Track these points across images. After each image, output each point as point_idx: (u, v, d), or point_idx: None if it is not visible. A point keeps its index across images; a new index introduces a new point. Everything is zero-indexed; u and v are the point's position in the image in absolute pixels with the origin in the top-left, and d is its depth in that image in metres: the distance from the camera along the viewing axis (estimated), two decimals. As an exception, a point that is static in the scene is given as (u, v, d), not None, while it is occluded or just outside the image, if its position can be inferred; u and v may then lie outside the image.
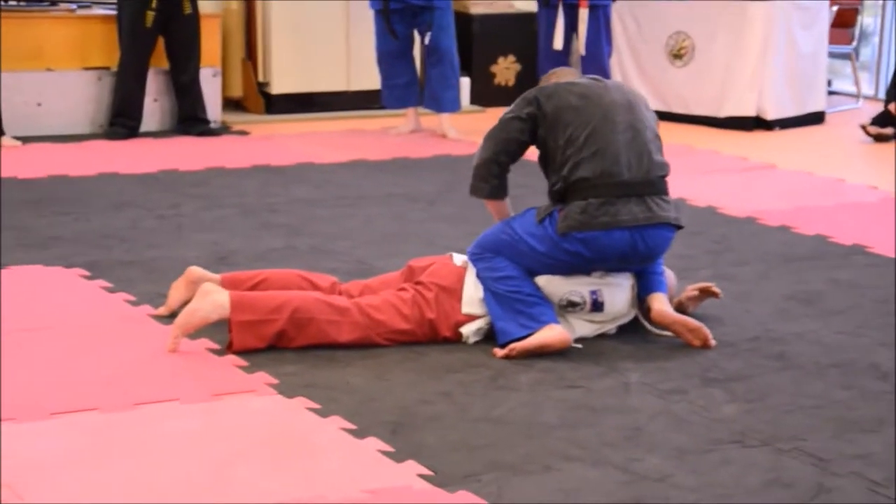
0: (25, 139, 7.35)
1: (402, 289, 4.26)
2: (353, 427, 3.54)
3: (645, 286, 4.30)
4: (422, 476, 3.25)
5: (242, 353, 4.04)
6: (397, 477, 3.25)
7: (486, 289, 4.20)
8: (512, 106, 4.30)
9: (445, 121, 7.84)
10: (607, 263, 4.20)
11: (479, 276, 4.23)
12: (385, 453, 3.38)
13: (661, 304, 4.24)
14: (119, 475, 3.22)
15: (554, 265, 4.20)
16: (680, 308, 4.45)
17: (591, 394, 3.84)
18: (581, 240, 4.13)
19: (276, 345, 4.09)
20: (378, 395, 3.78)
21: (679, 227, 4.28)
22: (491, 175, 4.27)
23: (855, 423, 3.65)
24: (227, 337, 4.10)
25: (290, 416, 3.63)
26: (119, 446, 3.40)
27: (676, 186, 4.39)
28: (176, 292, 4.39)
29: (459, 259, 4.34)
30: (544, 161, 4.29)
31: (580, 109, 4.19)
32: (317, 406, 3.68)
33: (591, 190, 4.14)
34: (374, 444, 3.44)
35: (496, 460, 3.36)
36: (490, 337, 4.22)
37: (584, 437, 3.52)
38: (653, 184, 4.21)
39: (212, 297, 4.04)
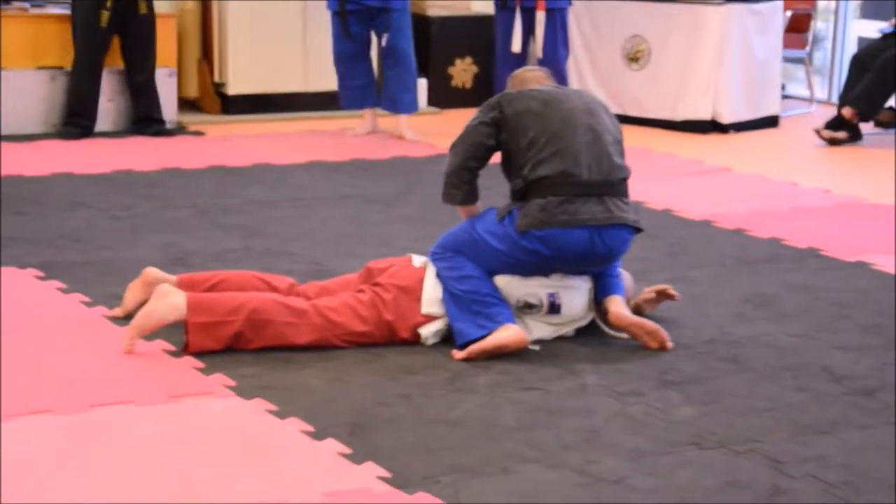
0: (-22, 138, 7.28)
1: (360, 290, 4.26)
2: (311, 429, 3.53)
3: (601, 289, 4.32)
4: (380, 478, 3.25)
5: (199, 354, 4.02)
6: (356, 479, 3.25)
7: (445, 289, 4.21)
8: (476, 112, 4.34)
9: (403, 122, 7.84)
10: (566, 263, 4.22)
11: (438, 275, 4.24)
12: (344, 455, 3.38)
13: (617, 306, 4.26)
14: (77, 478, 3.19)
15: (513, 264, 4.21)
16: (637, 310, 4.47)
17: (548, 396, 3.85)
18: (539, 237, 4.15)
19: (233, 346, 4.07)
20: (336, 397, 3.77)
21: (638, 230, 4.31)
22: (462, 181, 4.30)
23: (809, 425, 3.69)
24: (184, 339, 4.08)
25: (248, 418, 3.62)
26: (76, 449, 3.37)
27: (634, 189, 4.41)
28: (132, 293, 4.36)
29: (419, 261, 4.34)
30: (506, 164, 4.31)
31: (541, 114, 4.23)
32: (275, 408, 3.67)
33: (550, 188, 4.16)
34: (332, 445, 3.43)
35: (454, 462, 3.36)
36: (449, 339, 4.22)
37: (542, 438, 3.53)
38: (612, 185, 4.24)
39: (168, 299, 4.02)
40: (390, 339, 4.19)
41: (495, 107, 4.28)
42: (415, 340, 4.22)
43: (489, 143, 4.27)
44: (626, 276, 4.48)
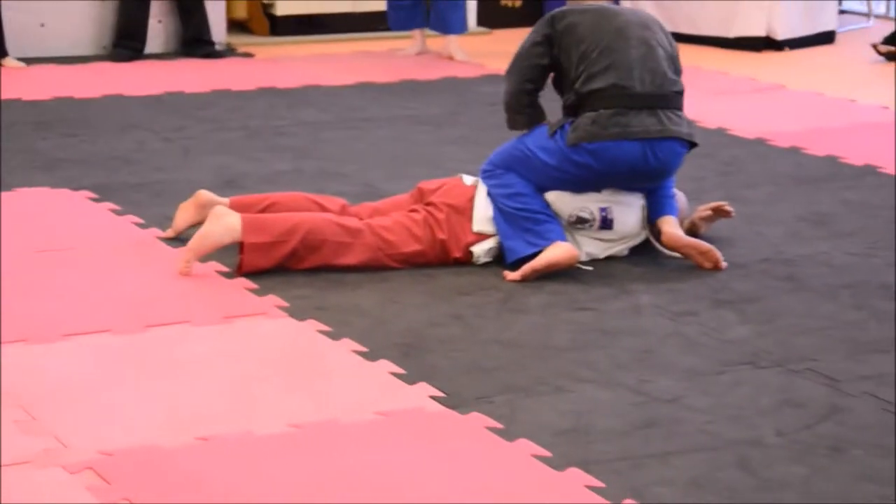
0: (29, 60, 7.29)
1: (413, 210, 4.25)
2: (364, 349, 3.54)
3: (655, 209, 4.28)
4: (434, 398, 3.26)
5: (252, 274, 4.03)
6: (409, 399, 3.26)
7: (496, 207, 4.20)
8: (528, 34, 4.30)
9: (452, 42, 7.76)
10: (617, 177, 4.18)
11: (489, 193, 4.22)
12: (397, 375, 3.39)
13: (671, 227, 4.22)
14: (132, 396, 3.23)
15: (565, 179, 4.18)
16: (692, 229, 4.43)
17: (602, 316, 3.83)
18: (591, 151, 4.12)
19: (285, 266, 4.08)
20: (389, 318, 3.78)
21: (693, 144, 4.26)
22: (522, 105, 4.28)
23: (866, 343, 3.65)
24: (237, 260, 4.09)
25: (301, 339, 3.63)
26: (131, 368, 3.40)
27: (686, 108, 4.35)
28: (184, 214, 4.37)
29: (469, 180, 4.32)
30: (558, 80, 4.28)
31: (594, 27, 4.19)
32: (328, 329, 3.68)
33: (602, 101, 4.12)
34: (385, 366, 3.44)
35: (508, 382, 3.36)
36: (501, 259, 4.21)
37: (596, 358, 3.52)
38: (666, 98, 4.19)
39: (224, 220, 4.03)
40: (443, 258, 4.19)
41: (547, 24, 4.25)
42: (467, 259, 4.21)
43: (543, 63, 4.23)
44: (680, 196, 4.43)
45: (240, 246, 4.05)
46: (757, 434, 3.11)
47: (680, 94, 4.25)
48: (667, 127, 4.16)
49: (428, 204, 4.25)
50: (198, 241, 4.02)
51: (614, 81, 4.13)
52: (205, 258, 4.13)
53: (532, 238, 4.13)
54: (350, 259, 4.10)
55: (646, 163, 4.15)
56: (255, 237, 4.02)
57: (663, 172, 4.22)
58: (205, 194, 4.36)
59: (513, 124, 4.34)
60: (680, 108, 4.25)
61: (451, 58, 7.71)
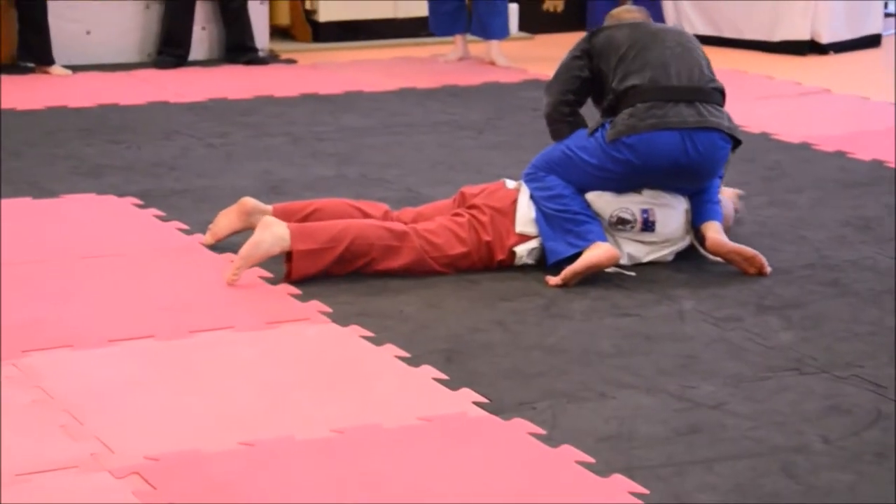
0: (75, 68, 7.36)
1: (457, 214, 4.26)
2: (407, 355, 3.55)
3: (699, 214, 4.26)
4: (477, 403, 3.26)
5: (300, 281, 4.04)
6: (452, 404, 3.26)
7: (538, 209, 4.21)
8: (567, 52, 4.38)
9: (494, 48, 7.76)
10: (658, 172, 4.16)
11: (531, 196, 4.24)
12: (440, 381, 3.39)
13: (716, 232, 4.20)
14: (176, 401, 3.25)
15: (605, 177, 4.19)
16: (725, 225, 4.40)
17: (645, 321, 3.82)
18: (629, 145, 4.12)
19: (333, 272, 4.08)
20: (431, 324, 3.78)
21: (736, 140, 4.25)
22: (564, 116, 4.33)
23: (913, 350, 3.62)
24: (281, 266, 4.11)
25: (344, 344, 3.64)
26: (176, 373, 3.43)
27: (730, 112, 4.33)
28: (226, 220, 4.37)
29: (511, 184, 4.33)
30: (597, 89, 4.31)
31: (630, 35, 4.26)
32: (370, 334, 3.69)
33: (638, 96, 4.16)
34: (428, 371, 3.44)
35: (551, 388, 3.36)
36: (543, 265, 4.21)
37: (639, 364, 3.51)
38: (703, 91, 4.21)
39: (273, 230, 4.04)
40: (488, 260, 4.20)
41: (585, 40, 4.34)
42: (510, 261, 4.21)
43: (583, 75, 4.29)
44: (726, 204, 4.41)
45: (287, 254, 4.07)
46: (802, 441, 3.08)
47: (719, 91, 4.26)
48: (706, 118, 4.16)
49: (471, 207, 4.26)
50: (249, 249, 4.03)
51: (651, 76, 4.16)
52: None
53: (572, 239, 4.13)
54: (397, 262, 4.11)
55: (686, 155, 4.13)
56: (303, 245, 4.04)
57: (705, 168, 4.20)
58: (249, 202, 4.37)
59: (556, 135, 4.36)
60: (720, 103, 4.25)
61: (492, 63, 7.71)
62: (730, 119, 4.26)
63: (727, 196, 4.53)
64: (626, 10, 4.57)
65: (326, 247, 4.05)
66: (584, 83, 4.31)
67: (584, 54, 4.29)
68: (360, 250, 4.08)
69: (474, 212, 4.23)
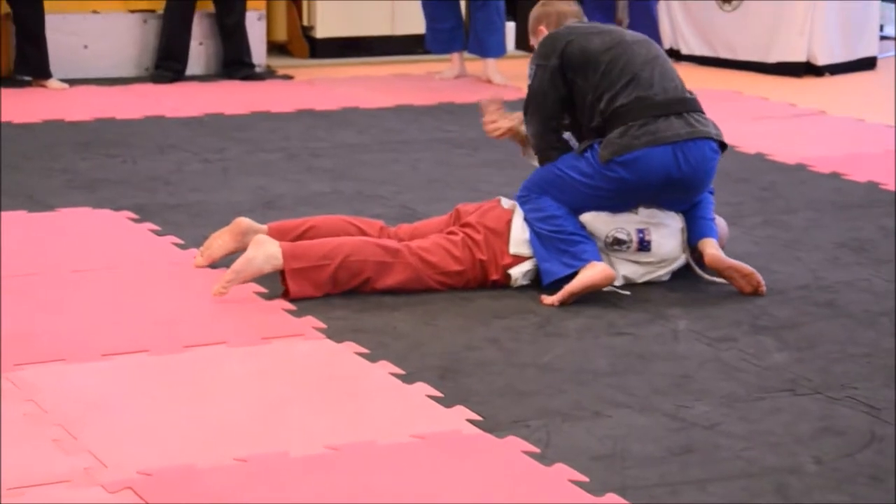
0: (72, 82, 7.37)
1: (451, 232, 4.26)
2: (401, 372, 3.54)
3: (696, 231, 4.27)
4: (471, 421, 3.25)
5: (298, 300, 4.02)
6: (446, 422, 3.25)
7: (532, 230, 4.20)
8: (532, 65, 4.26)
9: (491, 66, 7.78)
10: (651, 189, 4.16)
11: (525, 218, 4.23)
12: (434, 398, 3.38)
13: (714, 248, 4.21)
14: (170, 416, 3.24)
15: (598, 196, 4.18)
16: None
17: (639, 341, 3.82)
18: (623, 163, 4.12)
19: (330, 291, 4.07)
20: (426, 341, 3.78)
21: (723, 145, 4.25)
22: (552, 142, 4.27)
23: (907, 372, 3.62)
24: (276, 282, 4.10)
25: (338, 361, 3.64)
26: (170, 388, 3.42)
27: (725, 133, 4.34)
28: (220, 241, 4.33)
29: (507, 203, 4.33)
30: (577, 103, 4.23)
31: (604, 45, 4.20)
32: (365, 351, 3.68)
33: (628, 115, 4.14)
34: (422, 388, 3.44)
35: (545, 406, 3.35)
36: (538, 282, 4.21)
37: (633, 383, 3.51)
38: (687, 102, 4.23)
39: (264, 248, 4.04)
40: (482, 279, 4.20)
41: (554, 51, 4.19)
42: (504, 282, 4.21)
43: (562, 94, 4.21)
44: (720, 222, 4.42)
45: (281, 275, 4.06)
46: (796, 462, 3.08)
47: (697, 100, 4.27)
48: (696, 128, 4.18)
49: (465, 225, 4.26)
50: (241, 264, 4.03)
51: (637, 95, 4.15)
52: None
53: (568, 259, 4.13)
54: (391, 279, 4.11)
55: (678, 168, 4.14)
56: (295, 263, 4.04)
57: (697, 180, 4.20)
58: (244, 222, 4.33)
59: (546, 160, 4.29)
60: (702, 111, 4.26)
61: (489, 81, 7.72)
62: (715, 125, 4.27)
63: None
64: (561, 1, 4.42)
65: (319, 264, 4.05)
66: (563, 103, 4.23)
67: (556, 72, 4.18)
68: (354, 267, 4.08)
69: (468, 230, 4.23)
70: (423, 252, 4.16)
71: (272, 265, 4.04)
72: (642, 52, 4.22)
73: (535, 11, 4.46)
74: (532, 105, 4.27)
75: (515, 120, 4.43)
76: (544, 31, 4.37)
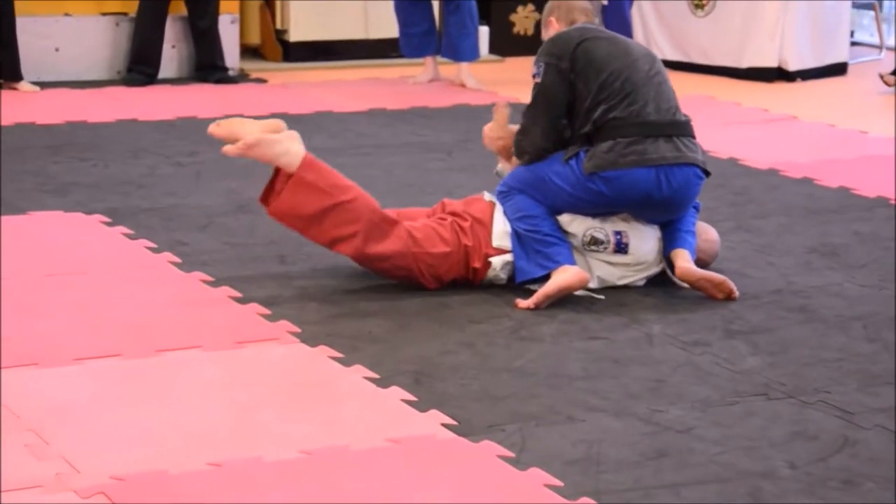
0: (43, 84, 7.33)
1: (441, 217, 4.28)
2: (375, 376, 3.54)
3: (669, 242, 4.28)
4: (445, 425, 3.25)
5: (277, 218, 3.99)
6: (421, 426, 3.25)
7: (511, 227, 4.22)
8: (540, 65, 4.22)
9: (463, 70, 7.78)
10: (629, 206, 4.18)
11: (504, 214, 4.24)
12: (408, 402, 3.38)
13: (684, 261, 4.21)
14: (143, 421, 3.23)
15: (577, 205, 4.21)
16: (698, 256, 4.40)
17: (613, 345, 3.83)
18: (605, 179, 4.13)
19: (311, 226, 4.01)
20: (401, 345, 3.78)
21: (707, 173, 4.27)
22: (553, 142, 4.23)
23: (878, 376, 3.64)
24: (251, 286, 4.09)
25: (312, 365, 3.63)
26: (143, 392, 3.40)
27: (698, 138, 4.36)
28: (248, 126, 4.10)
29: (489, 196, 4.37)
30: (571, 108, 4.24)
31: (609, 55, 4.20)
32: (339, 355, 3.68)
33: (619, 130, 4.14)
34: (397, 393, 3.44)
35: (519, 410, 3.36)
36: (513, 285, 4.21)
37: (608, 388, 3.52)
38: (680, 125, 4.22)
39: (292, 144, 4.01)
40: (466, 264, 4.20)
41: (565, 53, 4.18)
42: (485, 270, 4.22)
43: (568, 98, 4.20)
44: (712, 236, 4.42)
45: (277, 183, 3.99)
46: (769, 466, 3.09)
47: (689, 123, 4.27)
48: (683, 153, 4.18)
49: (451, 213, 4.29)
50: (263, 137, 3.95)
51: (632, 110, 4.15)
52: (216, 283, 4.14)
53: (542, 260, 4.14)
54: (381, 247, 4.09)
55: (659, 190, 4.15)
56: (308, 174, 4.01)
57: (677, 203, 4.22)
58: (282, 123, 4.13)
59: (533, 160, 4.25)
60: (693, 136, 4.27)
61: (462, 85, 7.73)
62: (702, 152, 4.28)
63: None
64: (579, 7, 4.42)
65: (326, 190, 4.03)
66: (567, 110, 4.21)
67: (564, 75, 4.17)
68: (350, 215, 4.05)
69: (456, 217, 4.26)
70: (413, 230, 4.17)
71: (287, 160, 4.01)
72: (645, 69, 4.21)
73: (549, 4, 4.47)
74: (543, 102, 4.23)
75: (512, 135, 4.39)
76: (554, 23, 4.37)
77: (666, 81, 4.27)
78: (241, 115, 4.33)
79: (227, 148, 4.00)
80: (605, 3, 7.75)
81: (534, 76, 4.26)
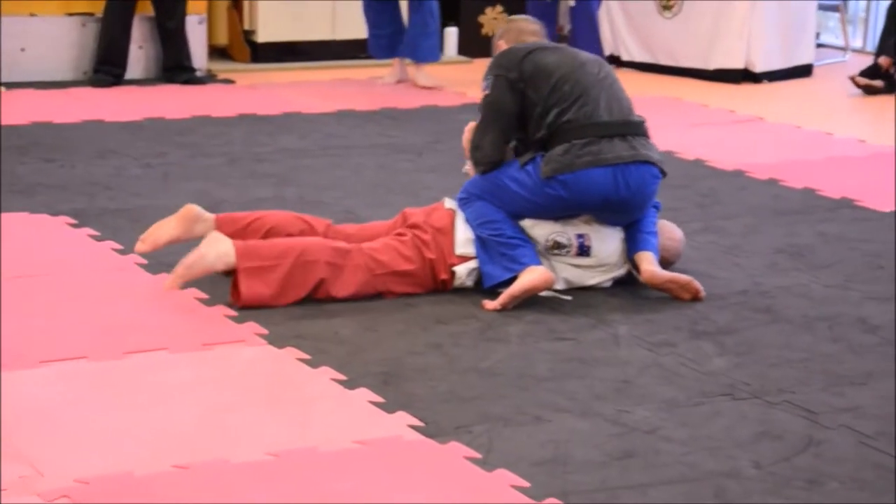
0: (8, 85, 7.28)
1: (399, 233, 4.27)
2: (343, 378, 3.54)
3: (633, 244, 4.29)
4: (412, 427, 3.26)
5: (251, 306, 3.97)
6: (388, 427, 3.25)
7: (475, 233, 4.22)
8: (489, 75, 4.26)
9: (420, 69, 7.73)
10: (588, 207, 4.20)
11: (466, 221, 4.25)
12: (376, 404, 3.38)
13: (649, 264, 4.23)
14: (109, 424, 3.21)
15: (536, 210, 4.22)
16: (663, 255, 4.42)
17: (580, 346, 3.84)
18: (563, 182, 4.14)
19: (281, 297, 4.02)
20: (368, 347, 3.78)
21: (663, 172, 4.29)
22: (502, 153, 4.26)
23: (843, 376, 3.67)
24: (218, 287, 4.07)
25: (280, 367, 3.62)
26: (108, 395, 3.39)
27: (664, 139, 4.40)
28: (167, 227, 4.25)
29: (450, 203, 4.35)
30: (527, 117, 4.24)
31: (559, 62, 4.23)
32: (307, 357, 3.67)
33: (573, 132, 4.16)
34: (364, 394, 3.44)
35: (487, 411, 3.36)
36: (480, 287, 4.22)
37: (575, 388, 3.53)
38: (634, 125, 4.25)
39: (217, 246, 4.01)
40: (432, 278, 4.20)
41: (514, 67, 4.21)
42: (452, 281, 4.22)
43: (518, 110, 4.22)
44: (677, 236, 4.44)
45: (232, 275, 4.03)
46: (734, 466, 3.11)
47: (644, 124, 4.29)
48: (638, 152, 4.21)
49: (412, 226, 4.28)
50: (193, 259, 4.00)
51: (584, 112, 4.17)
52: (184, 285, 4.12)
53: (507, 263, 4.15)
54: (345, 288, 4.08)
55: (616, 191, 4.17)
56: (248, 262, 4.01)
57: (635, 203, 4.23)
58: (194, 209, 4.26)
59: (487, 171, 4.27)
60: (647, 136, 4.29)
61: (414, 84, 7.70)
62: (657, 150, 4.31)
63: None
64: (525, 20, 4.55)
65: (272, 263, 4.03)
66: (517, 122, 4.23)
67: (512, 86, 4.19)
68: (307, 267, 4.05)
69: (416, 231, 4.25)
70: (373, 252, 4.16)
71: (224, 263, 4.01)
72: (594, 72, 4.25)
73: (498, 30, 4.52)
74: (491, 114, 4.26)
75: None
76: (503, 45, 4.42)
77: (616, 83, 4.30)
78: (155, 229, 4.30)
79: (167, 283, 4.00)
80: (573, 3, 7.78)
81: (483, 90, 4.28)
